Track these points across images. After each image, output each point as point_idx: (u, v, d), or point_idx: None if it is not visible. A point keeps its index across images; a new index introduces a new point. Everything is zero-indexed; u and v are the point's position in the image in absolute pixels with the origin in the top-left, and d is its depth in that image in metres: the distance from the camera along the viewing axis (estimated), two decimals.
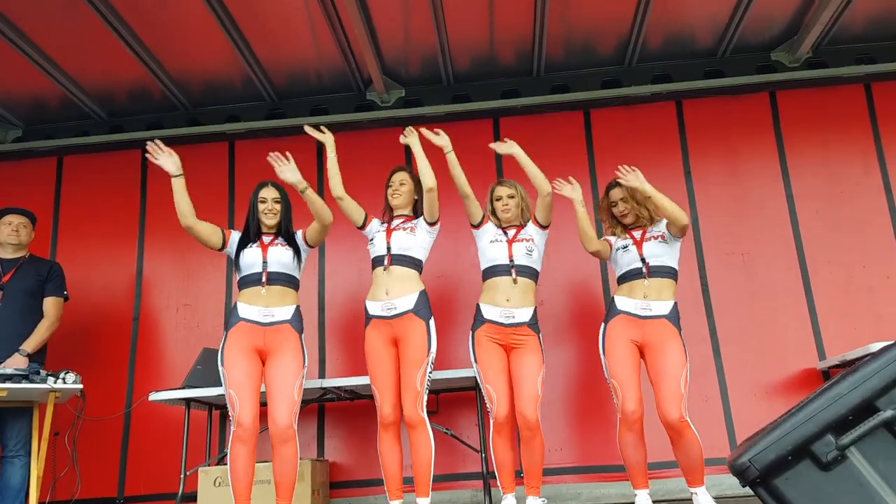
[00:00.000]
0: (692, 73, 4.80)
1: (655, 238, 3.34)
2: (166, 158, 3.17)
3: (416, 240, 3.30)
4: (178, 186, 3.16)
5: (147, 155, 3.18)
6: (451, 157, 3.32)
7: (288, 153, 3.22)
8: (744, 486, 1.91)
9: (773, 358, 4.25)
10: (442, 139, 3.33)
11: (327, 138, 3.35)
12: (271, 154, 3.21)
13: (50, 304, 3.95)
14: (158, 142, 3.21)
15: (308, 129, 3.38)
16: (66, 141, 5.04)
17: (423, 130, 3.36)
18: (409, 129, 3.39)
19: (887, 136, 4.64)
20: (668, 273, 3.31)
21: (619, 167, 3.29)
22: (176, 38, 4.38)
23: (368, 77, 4.80)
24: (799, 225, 4.53)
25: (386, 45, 4.57)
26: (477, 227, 3.42)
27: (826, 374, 4.21)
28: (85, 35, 4.23)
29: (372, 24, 4.30)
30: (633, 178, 3.27)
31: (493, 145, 3.44)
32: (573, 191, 3.39)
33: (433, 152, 3.28)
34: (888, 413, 1.73)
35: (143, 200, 4.92)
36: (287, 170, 3.21)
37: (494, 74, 4.91)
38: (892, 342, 1.83)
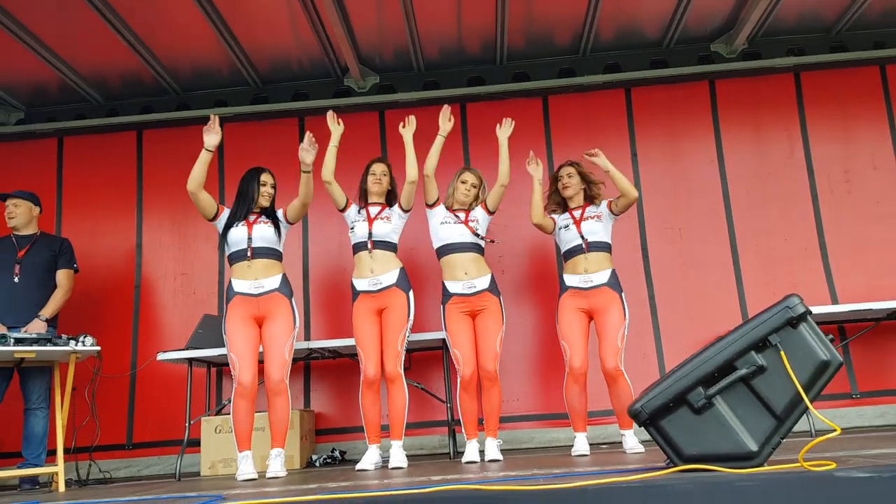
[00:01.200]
0: (640, 63, 5.22)
1: (592, 218, 3.84)
2: (214, 136, 3.59)
3: (392, 226, 3.76)
4: (206, 158, 3.59)
5: (209, 124, 3.59)
6: (440, 141, 3.77)
7: (314, 141, 3.61)
8: (639, 427, 2.44)
9: (703, 320, 4.76)
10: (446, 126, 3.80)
11: (338, 129, 3.75)
12: (308, 134, 3.60)
13: (62, 276, 4.37)
14: (217, 118, 3.62)
15: (330, 117, 3.78)
16: (65, 124, 5.36)
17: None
18: (411, 119, 3.81)
19: (812, 119, 5.12)
20: (604, 247, 3.82)
21: (589, 150, 3.85)
22: (165, 28, 4.67)
23: (345, 65, 5.14)
24: (730, 202, 5.03)
25: (361, 36, 4.91)
26: (430, 206, 3.86)
27: None
28: (80, 25, 4.51)
29: (347, 16, 4.62)
30: (600, 158, 3.81)
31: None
32: (535, 170, 3.89)
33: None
34: (743, 371, 2.24)
35: (140, 178, 5.29)
36: (310, 154, 3.61)
37: (461, 63, 5.30)
38: (751, 317, 2.34)
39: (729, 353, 2.25)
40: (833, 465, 2.06)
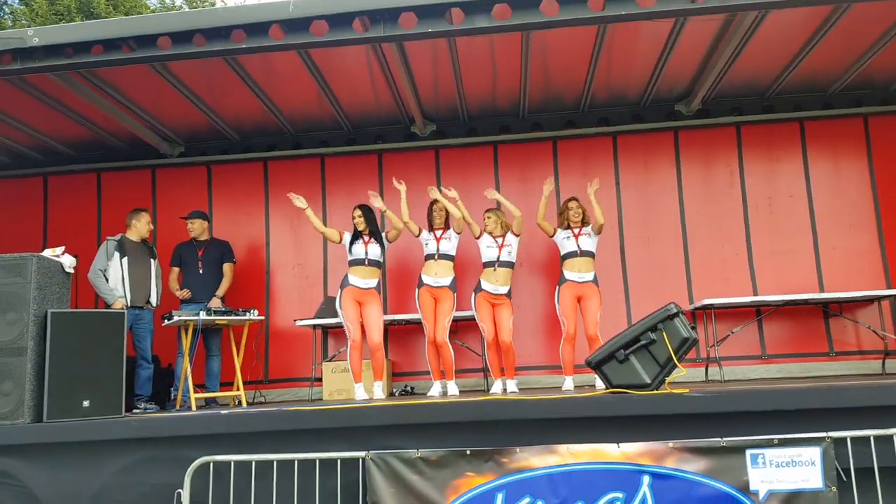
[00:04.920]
0: (623, 117, 6.91)
1: (585, 235, 5.65)
2: (298, 201, 5.49)
3: (451, 244, 5.60)
4: (309, 213, 5.46)
5: (292, 198, 5.51)
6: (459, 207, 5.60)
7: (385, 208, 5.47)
8: (591, 369, 4.30)
9: (662, 302, 6.38)
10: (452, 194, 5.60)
11: (403, 187, 5.60)
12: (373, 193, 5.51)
13: (227, 268, 6.31)
14: (292, 195, 5.50)
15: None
16: (213, 157, 7.22)
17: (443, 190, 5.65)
18: (432, 188, 5.63)
19: (747, 160, 6.77)
20: (591, 255, 5.64)
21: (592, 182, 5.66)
22: (285, 87, 6.18)
23: (412, 117, 6.84)
24: (685, 219, 6.75)
25: (424, 96, 6.54)
26: (477, 238, 5.68)
27: (693, 313, 6.52)
28: (224, 83, 5.93)
29: (414, 82, 6.15)
30: (594, 188, 5.62)
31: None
32: (547, 187, 5.68)
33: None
34: (644, 341, 4.07)
35: (266, 195, 7.15)
36: (378, 201, 5.47)
37: (494, 115, 6.99)
38: (649, 314, 4.15)
39: (637, 332, 4.08)
40: (687, 391, 3.90)
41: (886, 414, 3.72)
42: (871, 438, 3.62)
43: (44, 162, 7.31)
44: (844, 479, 3.60)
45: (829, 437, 3.63)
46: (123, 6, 15.72)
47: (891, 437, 3.62)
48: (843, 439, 3.63)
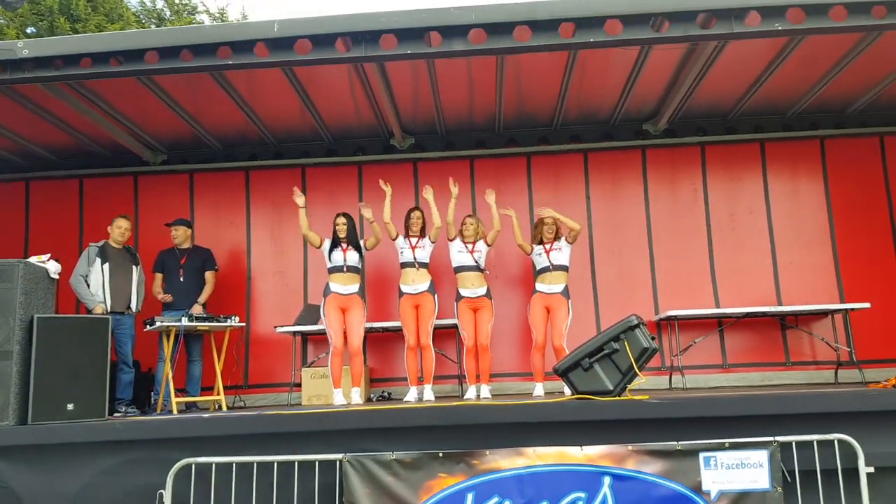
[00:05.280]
0: (594, 135, 7.18)
1: (556, 250, 5.86)
2: (300, 198, 5.64)
3: (425, 252, 5.79)
4: (302, 213, 5.62)
5: (295, 193, 5.63)
6: (453, 202, 5.76)
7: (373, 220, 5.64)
8: (558, 376, 4.51)
9: (628, 312, 6.67)
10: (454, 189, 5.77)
11: (389, 189, 5.76)
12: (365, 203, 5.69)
13: (209, 275, 6.43)
14: (297, 189, 5.64)
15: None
16: (195, 165, 7.34)
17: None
18: (428, 188, 5.79)
19: (710, 178, 7.08)
20: (563, 269, 5.85)
21: (542, 209, 5.85)
22: (267, 99, 6.33)
23: (391, 130, 7.04)
24: (651, 233, 7.03)
25: (403, 111, 6.74)
26: (451, 240, 5.87)
27: (658, 323, 6.79)
28: (207, 94, 6.05)
29: (394, 98, 6.35)
30: (549, 211, 5.81)
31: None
32: (514, 215, 5.88)
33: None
34: (607, 350, 4.30)
35: (248, 205, 7.29)
36: (368, 212, 5.65)
37: (471, 130, 7.23)
38: (611, 325, 4.39)
39: (601, 342, 4.32)
40: (647, 397, 4.14)
41: (828, 420, 3.99)
42: (815, 443, 3.90)
43: (25, 167, 7.36)
44: (789, 480, 3.88)
45: (775, 442, 3.90)
46: (103, 7, 15.68)
47: (832, 441, 3.90)
48: (789, 443, 3.91)
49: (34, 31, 14.69)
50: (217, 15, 17.44)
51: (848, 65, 5.87)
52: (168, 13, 17.64)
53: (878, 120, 7.04)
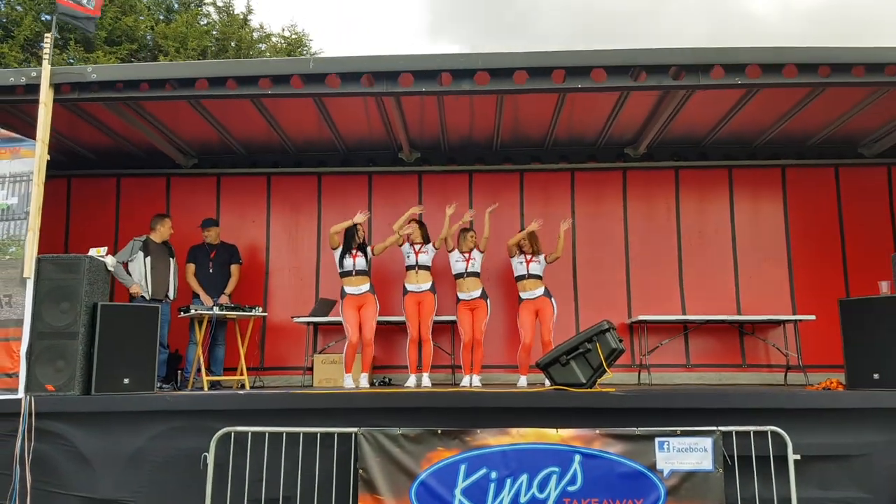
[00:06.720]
0: (581, 156, 7.86)
1: (534, 262, 6.58)
2: (361, 216, 6.31)
3: (427, 256, 6.49)
4: (347, 224, 6.30)
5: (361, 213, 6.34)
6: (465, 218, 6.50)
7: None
8: (540, 369, 5.22)
9: (604, 315, 7.36)
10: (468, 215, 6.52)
11: (417, 208, 6.52)
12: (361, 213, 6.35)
13: (235, 269, 7.10)
14: (365, 213, 6.37)
15: (416, 209, 6.51)
16: (223, 169, 7.97)
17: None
18: (450, 206, 6.48)
19: (682, 199, 7.79)
20: (539, 277, 6.58)
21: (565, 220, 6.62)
22: (290, 113, 6.90)
23: (400, 144, 7.66)
24: (629, 246, 7.74)
25: (411, 128, 7.36)
26: (450, 251, 6.57)
27: (630, 326, 7.50)
28: (237, 107, 6.61)
29: (404, 116, 6.92)
30: (565, 227, 6.56)
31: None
32: (534, 224, 6.58)
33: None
34: (581, 350, 5.01)
35: (269, 207, 7.93)
36: (408, 229, 6.37)
37: (471, 147, 7.88)
38: (586, 328, 5.09)
39: (576, 342, 5.02)
40: (613, 390, 4.85)
41: (764, 414, 4.69)
42: (752, 433, 4.56)
43: (68, 164, 7.96)
44: (730, 463, 4.53)
45: (719, 431, 4.56)
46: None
47: (766, 432, 4.56)
48: (730, 433, 4.55)
49: (48, 17, 15.00)
50: (223, 7, 17.71)
51: (805, 106, 6.56)
52: (176, 5, 17.91)
53: (834, 153, 7.75)
